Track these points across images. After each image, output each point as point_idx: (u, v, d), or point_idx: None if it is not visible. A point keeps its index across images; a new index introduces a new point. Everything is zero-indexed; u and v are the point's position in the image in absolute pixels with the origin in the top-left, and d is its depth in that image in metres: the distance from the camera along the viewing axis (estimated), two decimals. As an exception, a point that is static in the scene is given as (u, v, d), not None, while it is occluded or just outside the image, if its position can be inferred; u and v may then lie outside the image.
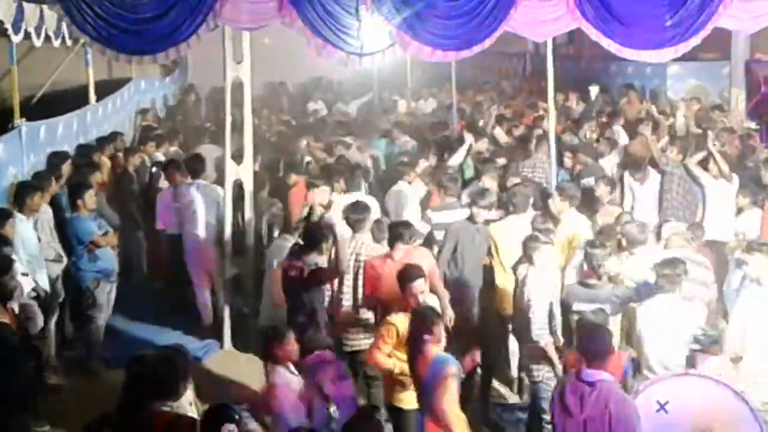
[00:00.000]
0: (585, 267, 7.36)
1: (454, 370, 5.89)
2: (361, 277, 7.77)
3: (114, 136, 13.06)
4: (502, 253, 8.26)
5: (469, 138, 11.45)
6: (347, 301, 7.92)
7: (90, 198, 8.95)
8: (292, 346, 6.18)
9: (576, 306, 7.14)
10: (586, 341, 5.64)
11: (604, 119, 14.00)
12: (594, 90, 17.11)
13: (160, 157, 12.47)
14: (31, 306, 6.91)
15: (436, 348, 5.96)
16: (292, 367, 6.16)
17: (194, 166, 10.29)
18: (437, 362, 5.88)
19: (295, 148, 12.70)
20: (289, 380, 6.01)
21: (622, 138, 12.90)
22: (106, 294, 9.05)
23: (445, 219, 8.88)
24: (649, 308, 6.82)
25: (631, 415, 5.38)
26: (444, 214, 9.05)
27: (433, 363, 5.87)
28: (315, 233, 7.70)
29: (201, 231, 9.86)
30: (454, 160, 10.95)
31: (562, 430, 5.48)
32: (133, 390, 5.05)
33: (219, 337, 9.59)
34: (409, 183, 10.39)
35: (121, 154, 12.07)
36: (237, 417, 5.21)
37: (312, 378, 6.12)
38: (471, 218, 8.45)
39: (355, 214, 8.07)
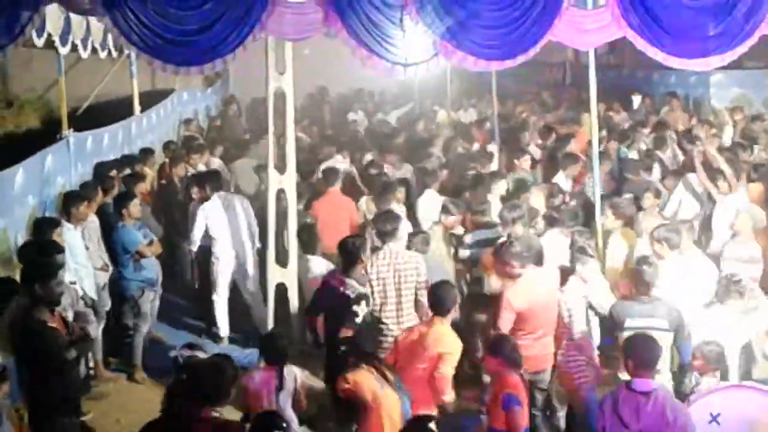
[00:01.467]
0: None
1: None
2: (405, 291, 7.56)
3: (168, 145, 13.35)
4: None
5: (492, 148, 11.31)
6: (390, 320, 7.61)
7: (135, 207, 9.06)
8: None
9: (629, 322, 6.79)
10: (639, 350, 5.58)
11: (649, 131, 13.74)
12: (636, 99, 16.97)
13: (202, 167, 12.59)
14: (86, 314, 6.98)
15: None
16: None
17: (212, 180, 10.31)
18: None
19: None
20: None
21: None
22: (150, 303, 9.15)
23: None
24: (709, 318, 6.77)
25: (689, 423, 5.37)
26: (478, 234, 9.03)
27: None
28: (352, 249, 7.42)
29: (227, 242, 9.92)
30: (496, 190, 10.40)
31: None
32: (181, 396, 5.11)
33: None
34: (436, 192, 10.50)
35: (167, 161, 12.23)
36: (284, 425, 5.26)
37: None
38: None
39: (387, 224, 7.90)
